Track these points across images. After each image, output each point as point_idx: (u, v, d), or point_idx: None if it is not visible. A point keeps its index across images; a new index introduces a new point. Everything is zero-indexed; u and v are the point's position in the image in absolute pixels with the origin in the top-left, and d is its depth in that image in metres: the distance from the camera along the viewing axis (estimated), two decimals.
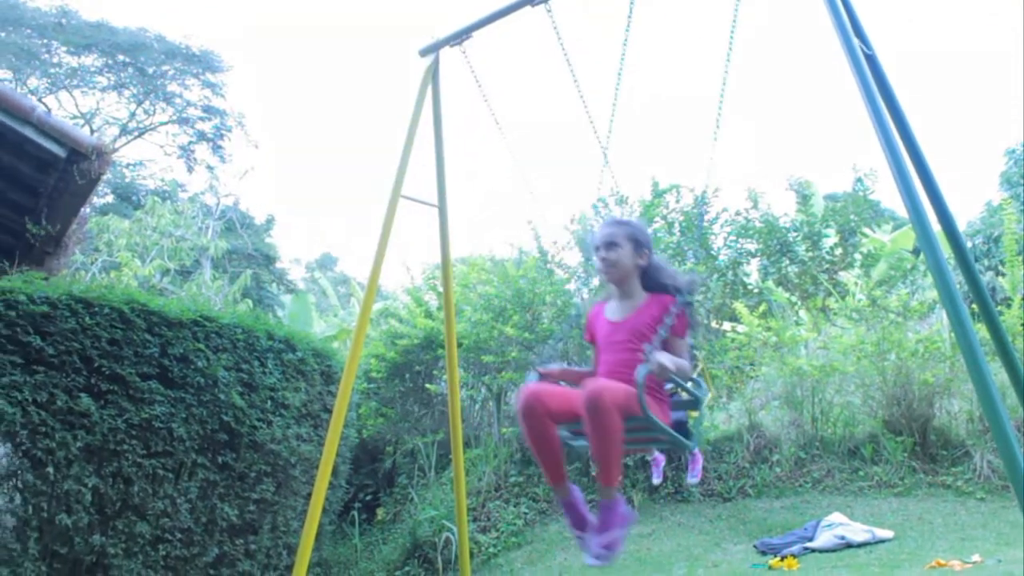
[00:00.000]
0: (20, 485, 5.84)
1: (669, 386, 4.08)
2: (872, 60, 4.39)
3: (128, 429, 6.29)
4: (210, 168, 29.89)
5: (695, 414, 4.22)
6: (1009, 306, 10.02)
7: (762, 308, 12.35)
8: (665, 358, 3.65)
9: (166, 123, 30.35)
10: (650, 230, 11.90)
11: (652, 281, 4.16)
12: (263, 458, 7.37)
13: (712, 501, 10.06)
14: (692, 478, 5.73)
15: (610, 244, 4.12)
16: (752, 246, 13.65)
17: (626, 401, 3.57)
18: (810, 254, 13.91)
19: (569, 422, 3.84)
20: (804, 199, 15.05)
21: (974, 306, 5.16)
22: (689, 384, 4.06)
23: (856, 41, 4.12)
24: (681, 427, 4.12)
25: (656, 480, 6.11)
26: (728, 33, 4.69)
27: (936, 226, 4.16)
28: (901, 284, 14.05)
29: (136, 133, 30.07)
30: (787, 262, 13.57)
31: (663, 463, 6.18)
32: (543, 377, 4.22)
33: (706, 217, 12.99)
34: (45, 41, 27.37)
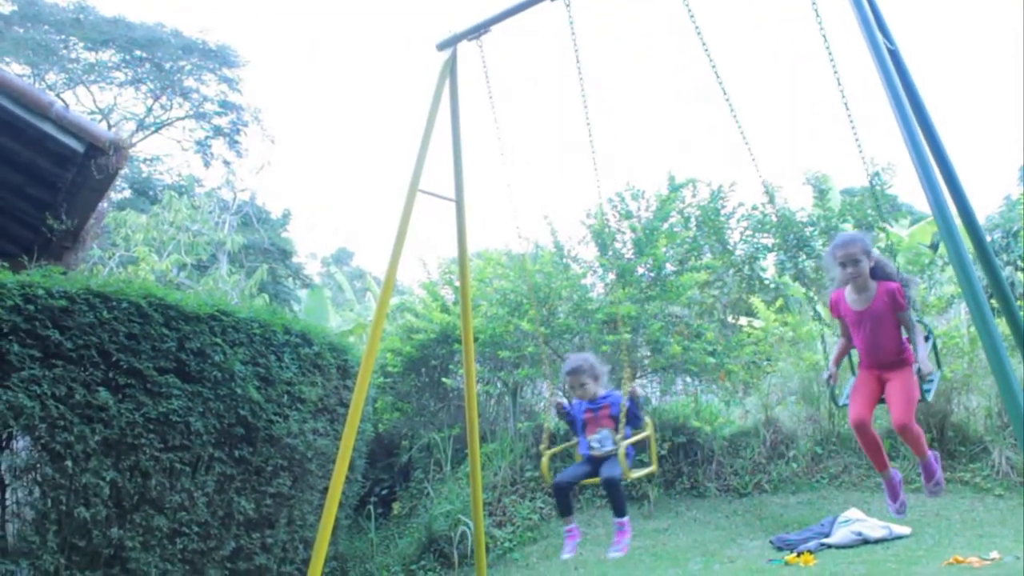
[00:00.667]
0: (39, 479, 5.87)
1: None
2: (895, 55, 4.35)
3: (145, 423, 6.31)
4: (227, 163, 29.98)
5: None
6: None
7: (779, 303, 12.31)
8: (925, 364, 4.88)
9: (183, 118, 30.44)
10: (665, 224, 11.88)
11: (878, 272, 5.09)
12: (280, 452, 7.38)
13: (728, 496, 10.04)
14: (615, 551, 5.53)
15: (855, 261, 5.04)
16: (769, 241, 13.59)
17: (913, 403, 4.98)
18: (827, 249, 13.83)
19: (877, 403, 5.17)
20: (821, 193, 14.98)
21: (993, 301, 5.12)
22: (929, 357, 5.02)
23: (880, 37, 4.09)
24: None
25: (567, 555, 5.82)
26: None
27: (957, 220, 4.13)
28: (919, 279, 13.97)
29: (153, 128, 30.17)
30: (804, 257, 13.50)
31: (578, 538, 5.76)
32: (830, 377, 5.41)
33: (722, 212, 12.95)
34: (63, 37, 27.48)
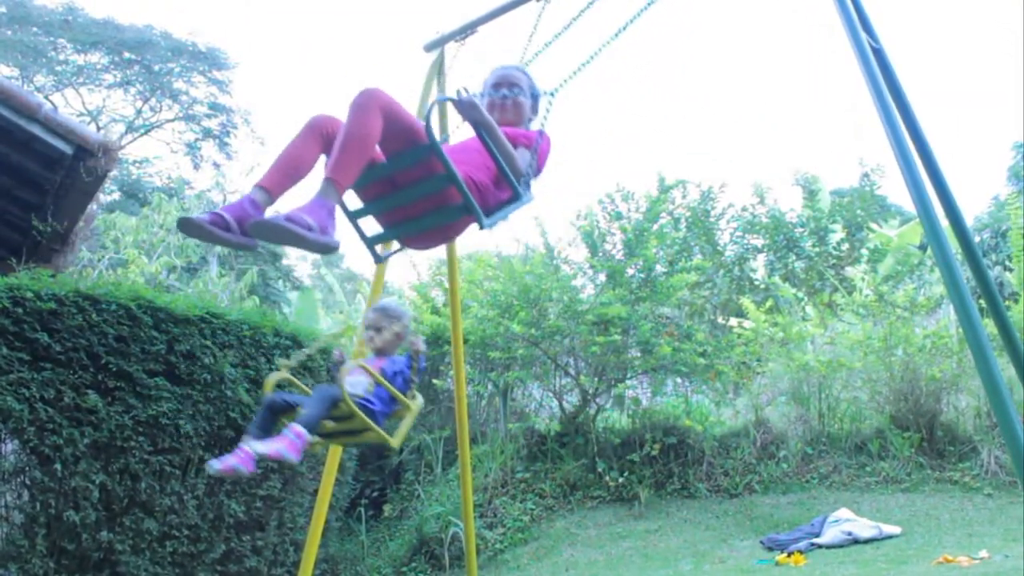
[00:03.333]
0: (28, 482, 5.86)
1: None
2: (879, 54, 4.37)
3: (135, 426, 6.30)
4: (216, 165, 29.92)
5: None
6: (1017, 301, 10.00)
7: (768, 304, 12.34)
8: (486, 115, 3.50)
9: (172, 120, 30.36)
10: (655, 225, 11.90)
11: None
12: None
13: (719, 497, 10.05)
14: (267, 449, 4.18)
15: (514, 86, 4.16)
16: (758, 241, 13.65)
17: (408, 121, 3.35)
18: (816, 249, 13.91)
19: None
20: (810, 194, 15.04)
21: (981, 301, 5.14)
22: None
23: (864, 35, 4.11)
24: None
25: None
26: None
27: (943, 221, 4.15)
28: (908, 279, 14.03)
29: (142, 130, 30.08)
30: (794, 257, 13.58)
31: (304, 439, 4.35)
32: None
33: (712, 213, 12.98)
34: (52, 39, 27.39)
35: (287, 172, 3.29)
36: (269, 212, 3.16)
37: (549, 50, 4.76)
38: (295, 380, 4.35)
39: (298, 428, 3.72)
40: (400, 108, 3.30)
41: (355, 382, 3.96)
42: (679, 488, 10.26)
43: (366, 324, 4.35)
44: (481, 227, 3.61)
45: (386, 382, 3.96)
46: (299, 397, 4.03)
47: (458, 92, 3.45)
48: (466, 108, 3.46)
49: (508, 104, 4.10)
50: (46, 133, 7.00)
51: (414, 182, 3.50)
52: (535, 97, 4.20)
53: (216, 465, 3.52)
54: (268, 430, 4.02)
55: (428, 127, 3.33)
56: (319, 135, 3.35)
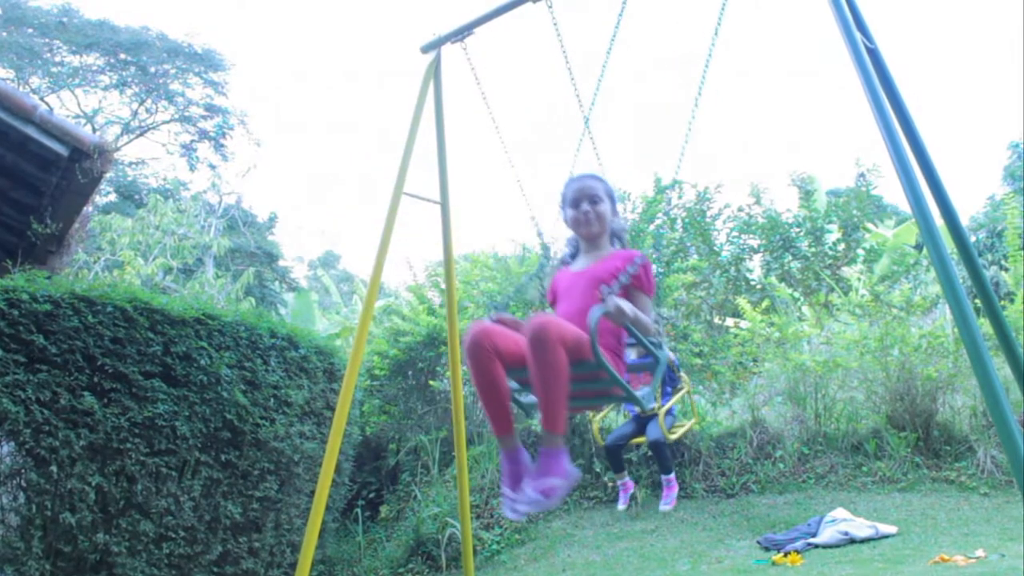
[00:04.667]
0: (24, 484, 5.85)
1: (631, 355, 4.00)
2: (874, 54, 4.37)
3: (131, 427, 6.30)
4: (212, 166, 29.88)
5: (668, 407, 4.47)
6: (1012, 301, 10.01)
7: (765, 304, 12.35)
8: (624, 303, 3.50)
9: (168, 122, 30.34)
10: (652, 226, 11.90)
11: (618, 239, 4.17)
12: (266, 456, 7.38)
13: (715, 497, 10.05)
14: (665, 505, 6.08)
15: (594, 198, 4.06)
16: (755, 242, 13.65)
17: (575, 341, 3.38)
18: (813, 250, 13.91)
19: (519, 368, 3.53)
20: (807, 194, 15.04)
21: (977, 301, 5.15)
22: (652, 346, 3.84)
23: (858, 35, 4.11)
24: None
25: (621, 506, 6.49)
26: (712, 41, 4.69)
27: (939, 220, 4.15)
28: (904, 279, 14.05)
29: (138, 132, 30.05)
30: (790, 257, 13.58)
31: (632, 489, 6.53)
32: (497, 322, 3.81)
33: (708, 213, 12.98)
34: (47, 40, 27.36)
35: (500, 407, 3.63)
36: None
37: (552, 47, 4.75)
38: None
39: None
40: (568, 330, 3.37)
41: (644, 396, 4.13)
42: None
43: None
44: (645, 409, 3.97)
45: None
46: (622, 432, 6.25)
47: (604, 300, 3.50)
48: (616, 317, 3.51)
49: (592, 218, 4.06)
50: (41, 135, 7.00)
51: (578, 382, 3.49)
52: (613, 200, 4.17)
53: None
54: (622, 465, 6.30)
55: (596, 350, 3.38)
56: (490, 355, 3.49)
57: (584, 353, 3.40)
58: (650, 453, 10.27)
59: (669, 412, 5.71)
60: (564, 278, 4.10)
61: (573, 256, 4.21)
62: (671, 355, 5.36)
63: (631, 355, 4.34)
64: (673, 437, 5.70)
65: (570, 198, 4.12)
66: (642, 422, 5.94)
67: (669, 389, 5.80)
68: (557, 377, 3.27)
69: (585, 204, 4.05)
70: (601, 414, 6.32)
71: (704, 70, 4.62)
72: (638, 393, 3.92)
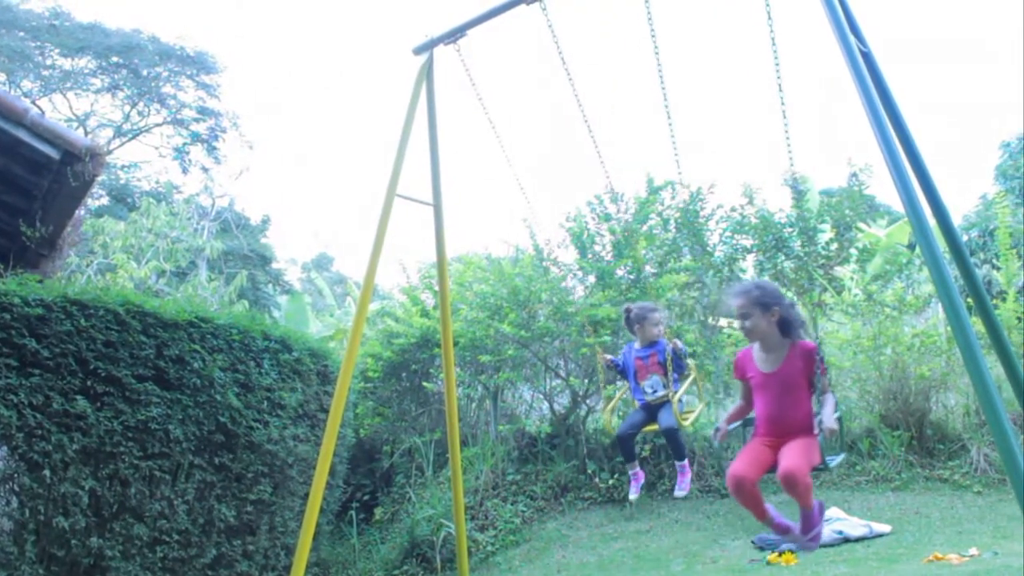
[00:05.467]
0: (17, 488, 5.83)
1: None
2: (868, 57, 4.39)
3: (124, 431, 6.28)
4: (205, 169, 29.81)
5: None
6: (1004, 299, 10.02)
7: None
8: (829, 420, 4.31)
9: (160, 125, 30.27)
10: (644, 226, 11.89)
11: (787, 329, 4.61)
12: (260, 459, 7.36)
13: (710, 497, 10.06)
14: (680, 490, 6.21)
15: (743, 315, 4.63)
16: (747, 242, 13.64)
17: (809, 463, 4.40)
18: (805, 249, 13.89)
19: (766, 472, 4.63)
20: (799, 195, 15.03)
21: (969, 300, 5.16)
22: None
23: (852, 38, 4.12)
24: None
25: (633, 495, 6.53)
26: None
27: (931, 220, 4.16)
28: (897, 279, 14.05)
29: (130, 135, 29.98)
30: (782, 258, 13.55)
31: (642, 479, 6.59)
32: (718, 432, 5.02)
33: (702, 213, 12.97)
34: (38, 43, 27.27)
35: (761, 512, 4.71)
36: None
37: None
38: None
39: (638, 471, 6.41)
40: (807, 464, 4.42)
41: (655, 383, 6.06)
42: (670, 489, 10.26)
43: (654, 322, 6.17)
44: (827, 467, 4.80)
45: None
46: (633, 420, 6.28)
47: (822, 430, 4.39)
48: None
49: (748, 332, 4.67)
50: (33, 138, 6.98)
51: None
52: (767, 303, 4.60)
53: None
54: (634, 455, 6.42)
55: (824, 459, 4.55)
56: (751, 491, 4.58)
57: (815, 462, 4.50)
58: (644, 455, 10.29)
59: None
60: (755, 373, 4.75)
61: None
62: (679, 343, 6.03)
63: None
64: (686, 423, 5.87)
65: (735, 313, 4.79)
66: (652, 410, 6.05)
67: (676, 376, 5.94)
68: (807, 495, 4.44)
69: (739, 323, 4.73)
70: (610, 404, 6.48)
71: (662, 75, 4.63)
72: (648, 382, 6.12)
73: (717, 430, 5.00)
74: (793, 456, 4.30)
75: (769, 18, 4.56)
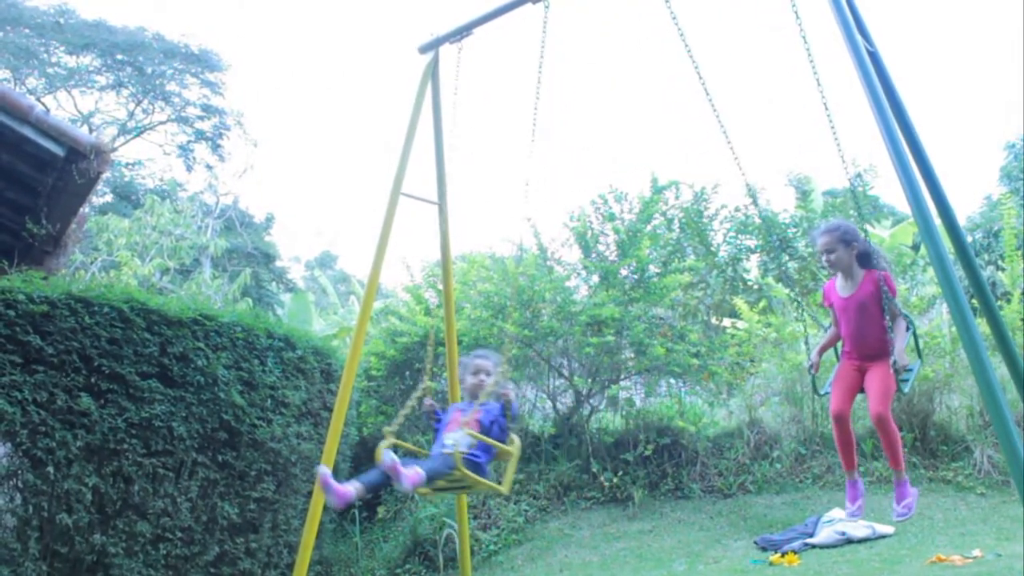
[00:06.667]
0: (20, 485, 5.84)
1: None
2: (875, 57, 4.38)
3: (128, 428, 6.28)
4: (209, 167, 29.88)
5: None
6: (1009, 301, 10.02)
7: (762, 304, 12.34)
8: (901, 357, 4.81)
9: (165, 122, 30.33)
10: (649, 226, 11.87)
11: (865, 260, 5.16)
12: (263, 457, 7.36)
13: (712, 497, 10.06)
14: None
15: (829, 251, 5.20)
16: (751, 242, 13.64)
17: (890, 397, 5.04)
18: (810, 250, 13.89)
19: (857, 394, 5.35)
20: (803, 195, 15.04)
21: (974, 301, 5.15)
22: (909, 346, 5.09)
23: (860, 39, 4.12)
24: None
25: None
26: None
27: (937, 221, 4.16)
28: (901, 279, 14.04)
29: (135, 132, 30.02)
30: (787, 258, 13.56)
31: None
32: (812, 367, 5.57)
33: (706, 213, 12.97)
34: (44, 41, 27.33)
35: (851, 454, 5.47)
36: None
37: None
38: (401, 443, 4.95)
39: (420, 471, 4.18)
40: (887, 396, 5.06)
41: (459, 439, 4.43)
42: (673, 488, 10.27)
43: (473, 370, 4.94)
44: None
45: (488, 438, 4.45)
46: (415, 459, 4.52)
47: (896, 368, 4.87)
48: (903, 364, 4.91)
49: (831, 264, 5.27)
50: (38, 135, 6.98)
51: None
52: (848, 240, 5.18)
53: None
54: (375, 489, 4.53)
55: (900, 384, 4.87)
56: (848, 425, 5.41)
57: (892, 391, 5.00)
58: (647, 454, 10.29)
59: (480, 460, 4.53)
60: (836, 297, 5.36)
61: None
62: (509, 392, 4.70)
63: None
64: (475, 481, 4.43)
65: (816, 250, 5.45)
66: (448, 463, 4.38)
67: (499, 431, 4.63)
68: (896, 440, 5.15)
69: (823, 257, 5.30)
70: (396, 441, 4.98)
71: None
72: (453, 434, 4.50)
73: (811, 365, 5.54)
74: (876, 394, 4.99)
75: (797, 17, 4.49)
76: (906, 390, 5.07)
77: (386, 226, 5.77)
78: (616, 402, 11.80)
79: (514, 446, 4.62)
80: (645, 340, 10.49)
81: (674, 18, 5.02)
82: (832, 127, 4.58)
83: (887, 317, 4.92)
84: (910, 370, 5.07)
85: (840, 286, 5.35)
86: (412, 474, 4.14)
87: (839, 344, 5.57)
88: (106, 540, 6.13)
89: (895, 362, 4.82)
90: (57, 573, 5.94)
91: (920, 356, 5.62)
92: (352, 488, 4.17)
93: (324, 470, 4.23)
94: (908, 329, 5.09)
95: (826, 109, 4.47)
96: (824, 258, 5.30)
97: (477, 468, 4.41)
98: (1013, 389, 4.99)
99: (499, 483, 4.70)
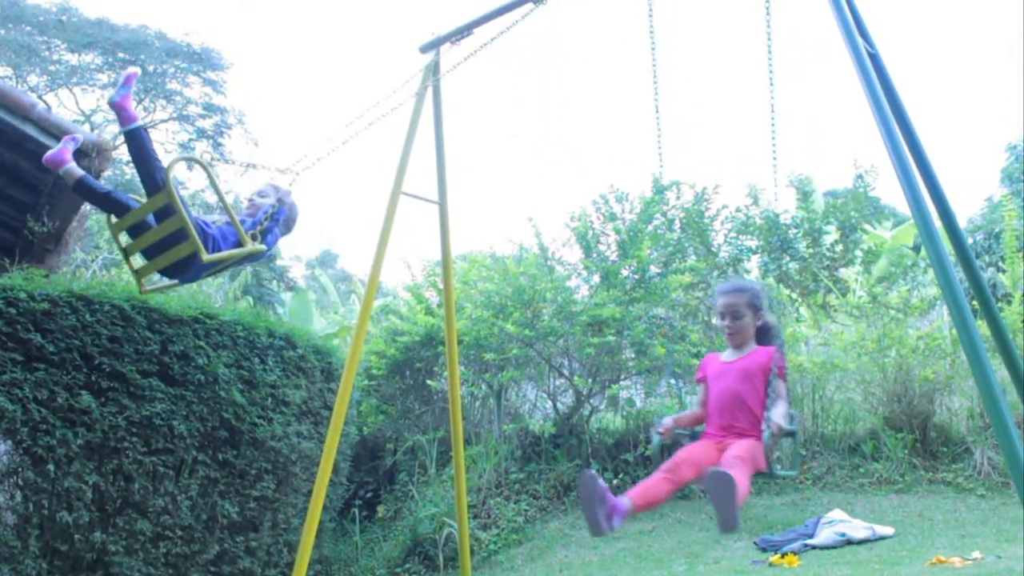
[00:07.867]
0: (21, 482, 5.85)
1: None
2: (875, 59, 4.39)
3: (129, 426, 6.29)
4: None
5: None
6: (1009, 302, 10.01)
7: None
8: (778, 417, 4.09)
9: (166, 121, 30.30)
10: (650, 226, 11.88)
11: (763, 335, 4.53)
12: (264, 455, 7.37)
13: None
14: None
15: (736, 316, 4.48)
16: (752, 243, 13.63)
17: (753, 466, 4.06)
18: (810, 251, 13.89)
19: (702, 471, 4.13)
20: (804, 195, 15.03)
21: (975, 302, 5.15)
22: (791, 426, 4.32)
23: (860, 41, 4.12)
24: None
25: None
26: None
27: (937, 222, 4.17)
28: (901, 281, 14.04)
29: None
30: (787, 259, 13.55)
31: None
32: (662, 436, 4.52)
33: (707, 214, 12.97)
34: (46, 38, 27.31)
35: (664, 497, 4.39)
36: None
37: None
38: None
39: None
40: (750, 467, 4.06)
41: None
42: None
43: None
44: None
45: None
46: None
47: (770, 426, 4.11)
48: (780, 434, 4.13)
49: (734, 332, 4.50)
50: (40, 133, 6.98)
51: None
52: (758, 306, 4.52)
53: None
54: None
55: (771, 464, 4.15)
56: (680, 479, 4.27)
57: (760, 466, 4.14)
58: (647, 454, 10.29)
59: None
60: (715, 366, 4.58)
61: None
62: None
63: None
64: None
65: (718, 309, 4.61)
66: None
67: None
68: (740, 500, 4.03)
69: (728, 320, 4.50)
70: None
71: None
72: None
73: (662, 424, 4.51)
74: (737, 450, 4.05)
75: (768, 19, 4.53)
76: (778, 472, 4.43)
77: (387, 225, 5.78)
78: (616, 402, 11.80)
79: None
80: (646, 340, 10.48)
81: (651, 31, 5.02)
82: (773, 126, 4.56)
83: (770, 395, 4.28)
84: (791, 469, 4.78)
85: (725, 357, 4.60)
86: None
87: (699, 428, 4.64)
88: (106, 538, 6.14)
89: (770, 418, 4.13)
90: (57, 571, 5.94)
91: (796, 464, 5.22)
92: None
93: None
94: (790, 419, 4.31)
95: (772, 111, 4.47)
96: (727, 322, 4.51)
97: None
98: (1013, 391, 4.98)
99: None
